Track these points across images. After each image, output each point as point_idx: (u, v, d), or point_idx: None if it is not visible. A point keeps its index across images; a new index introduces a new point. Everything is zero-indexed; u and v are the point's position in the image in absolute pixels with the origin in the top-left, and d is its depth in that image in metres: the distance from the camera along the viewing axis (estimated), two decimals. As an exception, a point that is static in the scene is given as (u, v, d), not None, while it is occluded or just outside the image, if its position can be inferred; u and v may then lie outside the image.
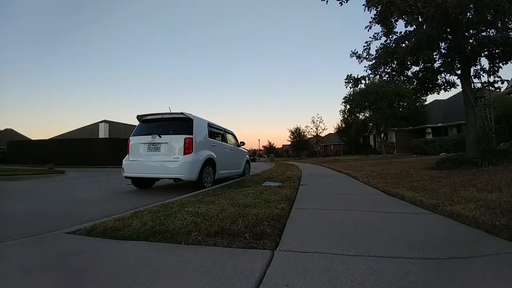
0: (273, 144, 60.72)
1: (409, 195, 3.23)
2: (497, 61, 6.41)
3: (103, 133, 24.70)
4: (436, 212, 2.49)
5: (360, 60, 6.98)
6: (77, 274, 1.36)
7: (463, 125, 13.25)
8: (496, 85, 6.70)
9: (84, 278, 1.31)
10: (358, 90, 22.70)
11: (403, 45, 6.52)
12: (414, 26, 5.83)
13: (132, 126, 6.02)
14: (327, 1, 6.47)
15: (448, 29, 6.21)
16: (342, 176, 6.95)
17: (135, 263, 1.47)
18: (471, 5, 5.25)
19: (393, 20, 6.34)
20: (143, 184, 5.58)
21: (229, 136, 7.14)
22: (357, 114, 27.56)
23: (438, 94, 7.86)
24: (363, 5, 6.23)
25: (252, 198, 3.30)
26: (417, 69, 7.24)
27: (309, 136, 40.93)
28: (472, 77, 6.74)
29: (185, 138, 4.87)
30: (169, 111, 5.35)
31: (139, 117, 5.56)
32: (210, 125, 5.87)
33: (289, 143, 47.75)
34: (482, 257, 1.46)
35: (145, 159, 5.15)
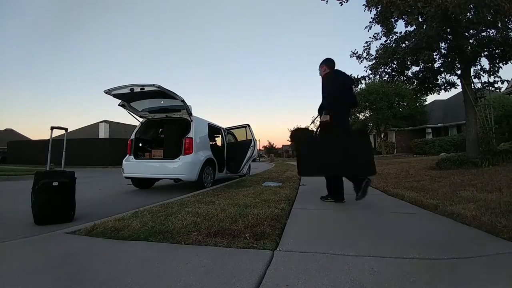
0: (273, 144, 60.70)
1: (409, 195, 3.23)
2: (497, 61, 6.40)
3: (103, 133, 24.73)
4: (436, 212, 2.49)
5: (360, 60, 6.97)
6: (77, 274, 1.36)
7: (463, 125, 13.25)
8: (496, 85, 6.69)
9: (84, 278, 1.31)
10: (358, 90, 22.69)
11: (403, 45, 6.51)
12: (414, 26, 5.83)
13: (133, 126, 6.04)
14: (327, 1, 6.47)
15: (448, 29, 6.20)
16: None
17: (135, 263, 1.47)
18: (471, 5, 5.24)
19: (393, 20, 6.34)
20: (143, 184, 5.59)
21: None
22: (357, 114, 27.55)
23: (438, 94, 7.88)
24: (363, 5, 6.22)
25: (252, 198, 3.30)
26: (417, 69, 7.23)
27: (309, 136, 40.81)
28: (472, 77, 6.73)
29: (185, 138, 4.88)
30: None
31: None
32: (210, 125, 5.88)
33: (289, 143, 47.71)
34: (482, 257, 1.46)
35: (146, 159, 5.17)
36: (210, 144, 5.84)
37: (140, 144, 5.49)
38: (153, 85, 4.23)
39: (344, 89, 3.03)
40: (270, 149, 56.74)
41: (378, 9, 6.12)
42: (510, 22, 5.71)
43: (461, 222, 2.13)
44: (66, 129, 3.20)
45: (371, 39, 6.81)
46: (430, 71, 7.08)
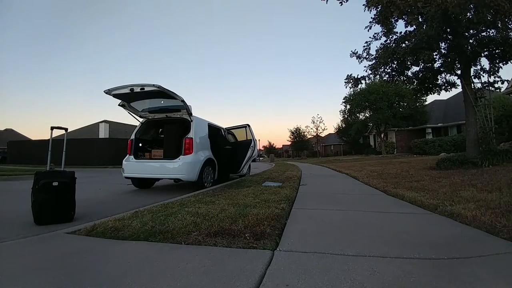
0: (273, 144, 60.58)
1: (409, 195, 3.23)
2: (497, 61, 6.41)
3: (103, 133, 24.72)
4: (436, 212, 2.49)
5: (360, 60, 6.97)
6: (77, 274, 1.36)
7: (463, 125, 13.26)
8: (496, 85, 6.70)
9: (84, 278, 1.31)
10: (359, 90, 22.71)
11: (403, 45, 6.51)
12: (414, 26, 5.83)
13: (133, 126, 6.04)
14: (327, 0, 6.48)
15: (448, 29, 6.20)
16: (342, 176, 6.95)
17: (135, 263, 1.47)
18: (471, 5, 5.25)
19: (393, 20, 6.34)
20: (143, 184, 5.58)
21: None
22: (357, 114, 27.55)
23: (439, 94, 7.87)
24: (363, 5, 6.23)
25: (252, 198, 3.30)
26: (417, 69, 7.24)
27: (309, 136, 40.90)
28: (472, 77, 6.73)
29: (185, 139, 4.87)
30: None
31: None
32: (210, 126, 5.88)
33: (289, 143, 47.68)
34: (482, 257, 1.46)
35: (146, 159, 5.16)
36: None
37: (140, 144, 5.49)
38: (153, 85, 4.23)
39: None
40: (270, 149, 56.69)
41: (378, 9, 6.13)
42: (510, 22, 5.71)
43: (461, 222, 2.13)
44: (66, 129, 3.20)
45: (371, 39, 6.82)
46: (430, 71, 7.08)
